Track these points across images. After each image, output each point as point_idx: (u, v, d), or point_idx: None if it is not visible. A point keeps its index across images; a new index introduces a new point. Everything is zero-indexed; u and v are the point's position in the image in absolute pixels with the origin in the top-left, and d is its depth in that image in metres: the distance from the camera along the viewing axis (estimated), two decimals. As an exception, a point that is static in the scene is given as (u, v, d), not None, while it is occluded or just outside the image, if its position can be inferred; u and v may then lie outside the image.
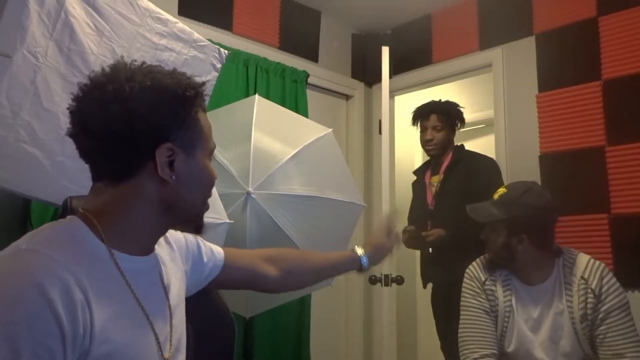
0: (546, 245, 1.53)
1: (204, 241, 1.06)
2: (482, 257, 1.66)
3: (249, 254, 1.17)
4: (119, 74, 0.76)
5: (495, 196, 1.57)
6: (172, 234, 0.98)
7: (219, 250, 1.08)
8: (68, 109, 0.78)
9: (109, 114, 0.73)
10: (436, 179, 2.48)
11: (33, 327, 0.62)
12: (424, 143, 2.52)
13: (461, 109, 2.54)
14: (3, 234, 0.71)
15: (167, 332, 0.83)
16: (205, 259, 1.03)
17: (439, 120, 2.46)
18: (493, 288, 1.58)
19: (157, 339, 0.79)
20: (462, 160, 2.43)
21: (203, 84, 0.84)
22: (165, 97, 0.77)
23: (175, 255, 0.96)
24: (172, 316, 0.86)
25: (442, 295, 2.41)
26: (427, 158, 2.63)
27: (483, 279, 1.60)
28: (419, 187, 2.62)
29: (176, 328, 0.86)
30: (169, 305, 0.86)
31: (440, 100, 2.56)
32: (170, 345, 0.83)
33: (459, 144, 2.55)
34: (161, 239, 0.91)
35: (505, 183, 2.67)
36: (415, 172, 2.68)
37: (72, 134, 0.78)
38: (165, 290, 0.87)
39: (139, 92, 0.75)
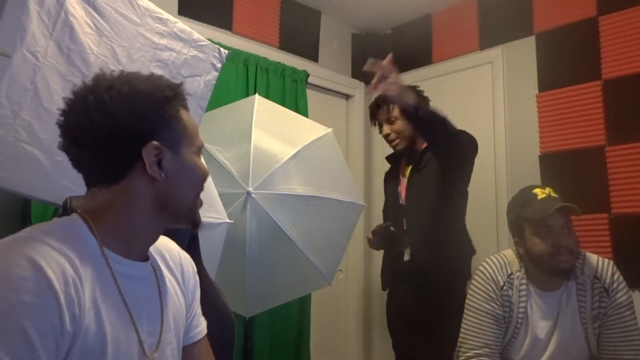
0: None
1: (200, 314, 1.02)
2: (497, 255, 1.58)
3: None
4: (99, 85, 0.80)
5: (557, 194, 1.48)
6: (187, 272, 0.98)
7: (201, 329, 1.01)
8: (57, 123, 0.81)
9: (93, 123, 0.78)
10: (409, 169, 2.15)
11: (36, 306, 0.66)
12: (386, 141, 2.19)
13: (418, 90, 2.15)
14: (3, 234, 0.72)
15: (155, 339, 0.84)
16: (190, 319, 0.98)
17: (391, 110, 2.11)
18: (510, 293, 1.49)
19: (139, 339, 0.80)
20: None
21: (181, 84, 0.87)
22: (144, 100, 0.81)
23: (181, 278, 0.96)
24: (163, 328, 0.86)
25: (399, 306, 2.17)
26: None
27: (501, 283, 1.51)
28: (391, 178, 2.29)
29: (167, 338, 0.87)
30: (162, 315, 0.87)
31: None
32: (157, 349, 0.84)
33: None
34: (170, 261, 0.94)
35: (506, 183, 2.69)
36: (389, 159, 2.33)
37: (63, 147, 0.82)
38: (162, 301, 0.88)
39: (118, 99, 0.79)
